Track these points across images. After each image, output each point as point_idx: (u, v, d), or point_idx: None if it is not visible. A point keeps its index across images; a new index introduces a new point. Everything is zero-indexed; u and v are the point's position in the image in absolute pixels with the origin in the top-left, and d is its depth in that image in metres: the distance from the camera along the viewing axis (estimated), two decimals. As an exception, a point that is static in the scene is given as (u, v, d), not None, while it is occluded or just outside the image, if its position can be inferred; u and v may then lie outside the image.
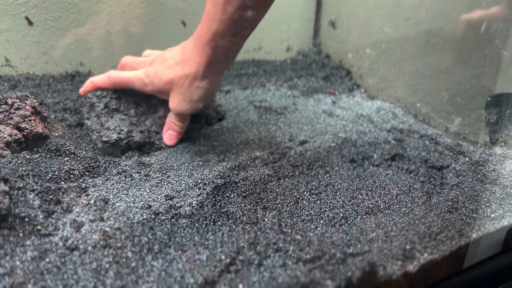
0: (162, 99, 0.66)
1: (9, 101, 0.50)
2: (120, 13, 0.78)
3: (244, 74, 0.93)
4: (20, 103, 0.50)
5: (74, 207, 0.47)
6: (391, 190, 0.54)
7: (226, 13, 0.49)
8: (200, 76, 0.55)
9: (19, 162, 0.51)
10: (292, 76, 0.95)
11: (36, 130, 0.51)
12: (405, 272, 0.40)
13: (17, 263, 0.38)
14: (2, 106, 0.49)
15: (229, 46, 0.53)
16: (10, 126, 0.49)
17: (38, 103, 0.54)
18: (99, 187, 0.51)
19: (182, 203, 0.49)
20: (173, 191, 0.52)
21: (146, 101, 0.65)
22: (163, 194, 0.51)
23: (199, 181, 0.54)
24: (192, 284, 0.37)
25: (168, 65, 0.57)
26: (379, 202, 0.51)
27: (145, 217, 0.46)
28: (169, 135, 0.62)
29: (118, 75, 0.61)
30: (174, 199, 0.50)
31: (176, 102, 0.58)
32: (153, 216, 0.46)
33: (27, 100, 0.51)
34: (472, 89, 0.66)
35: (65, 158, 0.55)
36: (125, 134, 0.61)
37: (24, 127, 0.49)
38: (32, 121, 0.50)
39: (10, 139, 0.48)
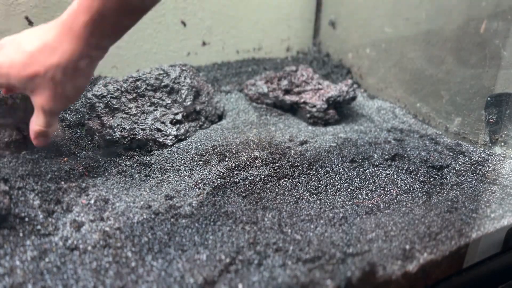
0: (160, 98, 0.66)
1: (9, 101, 0.50)
2: (120, 13, 0.78)
3: (244, 72, 0.93)
4: (20, 103, 0.50)
5: (74, 207, 0.47)
6: (391, 190, 0.54)
7: None
8: (74, 66, 0.45)
9: (19, 162, 0.51)
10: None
11: None
12: (405, 272, 0.40)
13: (17, 263, 0.38)
14: (1, 107, 0.49)
15: (115, 29, 0.45)
16: (10, 126, 0.49)
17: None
18: (99, 187, 0.51)
19: (182, 203, 0.49)
20: (173, 191, 0.52)
21: (146, 100, 0.65)
22: (163, 194, 0.51)
23: (199, 181, 0.54)
24: (192, 284, 0.37)
25: (27, 52, 0.45)
26: (379, 202, 0.51)
27: (145, 217, 0.46)
28: (39, 141, 0.51)
29: None
30: (174, 199, 0.50)
31: (45, 99, 0.47)
32: (153, 216, 0.46)
33: (27, 100, 0.51)
34: (472, 89, 0.66)
35: (65, 158, 0.55)
36: (128, 132, 0.61)
37: (24, 127, 0.49)
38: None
39: (9, 139, 0.48)
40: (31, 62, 0.45)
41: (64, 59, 0.44)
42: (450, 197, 0.52)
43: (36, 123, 0.49)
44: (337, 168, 0.59)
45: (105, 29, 0.44)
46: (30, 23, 0.70)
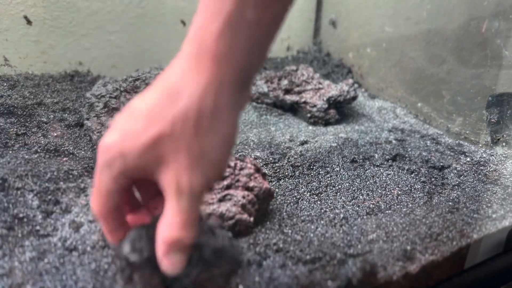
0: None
1: (231, 164, 0.47)
2: (119, 12, 0.77)
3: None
4: (241, 163, 0.48)
5: (73, 208, 0.47)
6: (392, 191, 0.54)
7: None
8: (212, 105, 0.29)
9: (18, 162, 0.50)
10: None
11: (264, 186, 0.47)
12: (406, 272, 0.39)
13: (16, 263, 0.38)
14: (226, 170, 0.45)
15: (254, 34, 0.29)
16: (240, 188, 0.47)
17: (254, 159, 0.50)
18: (98, 187, 0.51)
19: (182, 204, 0.49)
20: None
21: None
22: (162, 194, 0.51)
23: (199, 181, 0.53)
24: (192, 285, 0.37)
25: (141, 113, 0.30)
26: (380, 202, 0.51)
27: (144, 217, 0.46)
28: (174, 258, 0.29)
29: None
30: (174, 199, 0.50)
31: (180, 169, 0.29)
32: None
33: (246, 158, 0.48)
34: (473, 88, 0.66)
35: (64, 158, 0.55)
36: None
37: (253, 185, 0.46)
38: (258, 178, 0.48)
39: (244, 201, 0.46)
40: (148, 123, 0.29)
41: (196, 97, 0.29)
42: (451, 198, 0.52)
43: (168, 226, 0.29)
44: (337, 168, 0.59)
45: (243, 39, 0.29)
46: (29, 22, 0.70)
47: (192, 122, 0.29)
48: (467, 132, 0.67)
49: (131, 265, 0.31)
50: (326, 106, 0.74)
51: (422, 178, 0.57)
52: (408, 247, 0.42)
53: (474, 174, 0.57)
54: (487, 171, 0.58)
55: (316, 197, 0.52)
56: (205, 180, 0.29)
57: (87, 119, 0.62)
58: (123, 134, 0.30)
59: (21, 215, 0.43)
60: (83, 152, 0.58)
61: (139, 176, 0.31)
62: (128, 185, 0.32)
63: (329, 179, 0.56)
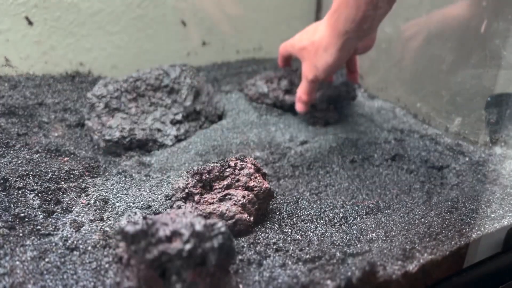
0: (160, 98, 0.66)
1: (231, 163, 0.48)
2: (120, 13, 0.78)
3: (244, 72, 0.93)
4: (242, 163, 0.48)
5: (74, 207, 0.47)
6: (391, 190, 0.54)
7: None
8: (324, 45, 0.59)
9: (19, 162, 0.51)
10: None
11: (264, 186, 0.47)
12: (405, 272, 0.40)
13: (17, 263, 0.38)
14: (227, 170, 0.46)
15: (364, 6, 0.52)
16: (240, 188, 0.46)
17: (254, 159, 0.51)
18: (99, 187, 0.51)
19: (182, 203, 0.49)
20: (173, 191, 0.52)
21: (146, 100, 0.65)
22: (163, 194, 0.51)
23: (199, 181, 0.54)
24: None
25: (304, 32, 0.66)
26: (379, 202, 0.51)
27: (145, 217, 0.46)
28: (299, 106, 0.69)
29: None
30: (174, 199, 0.50)
31: (306, 68, 0.63)
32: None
33: (246, 158, 0.49)
34: (472, 89, 0.66)
35: (65, 158, 0.55)
36: (127, 132, 0.61)
37: (253, 185, 0.46)
38: (258, 178, 0.47)
39: (244, 200, 0.46)
40: (303, 38, 0.64)
41: (319, 37, 0.59)
42: (450, 197, 0.52)
43: (299, 90, 0.67)
44: (337, 168, 0.59)
45: (346, 13, 0.53)
46: (30, 23, 0.70)
47: (315, 48, 0.61)
48: (466, 132, 0.67)
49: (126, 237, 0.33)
50: (325, 106, 0.74)
51: (421, 178, 0.57)
52: (407, 247, 0.42)
53: (473, 174, 0.58)
54: (486, 171, 0.58)
55: (315, 197, 0.52)
56: (315, 77, 0.63)
57: (88, 119, 0.62)
58: (298, 38, 0.66)
59: (22, 215, 0.44)
60: (84, 152, 0.58)
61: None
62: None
63: (328, 178, 0.56)
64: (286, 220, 0.47)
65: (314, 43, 0.60)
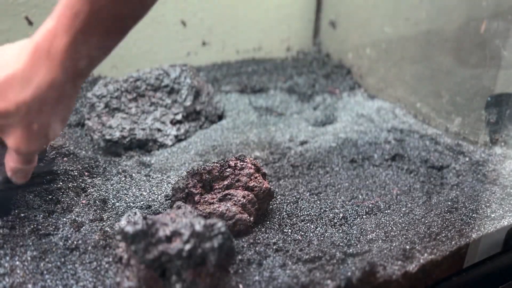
0: (160, 98, 0.66)
1: (231, 163, 0.48)
2: (120, 13, 0.78)
3: (244, 72, 0.93)
4: (242, 163, 0.48)
5: (74, 207, 0.47)
6: (391, 190, 0.54)
7: None
8: (54, 99, 0.37)
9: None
10: (292, 74, 0.95)
11: (264, 186, 0.47)
12: (405, 272, 0.40)
13: (17, 263, 0.38)
14: (227, 170, 0.46)
15: (101, 48, 0.37)
16: (240, 188, 0.46)
17: (254, 159, 0.51)
18: (99, 187, 0.51)
19: (182, 203, 0.49)
20: (173, 191, 0.52)
21: (146, 100, 0.65)
22: (163, 194, 0.51)
23: (199, 181, 0.54)
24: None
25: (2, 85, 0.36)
26: (379, 202, 0.51)
27: (145, 217, 0.46)
28: (18, 178, 0.42)
29: None
30: (174, 199, 0.50)
31: (19, 140, 0.38)
32: (153, 216, 0.46)
33: (246, 158, 0.49)
34: (472, 89, 0.66)
35: (65, 158, 0.55)
36: (128, 132, 0.61)
37: (253, 185, 0.46)
38: (258, 178, 0.47)
39: (244, 200, 0.46)
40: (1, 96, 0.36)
41: (42, 91, 0.36)
42: (450, 197, 0.52)
43: (11, 161, 0.41)
44: (337, 168, 0.59)
45: (89, 51, 0.36)
46: (30, 23, 0.70)
47: (36, 107, 0.36)
48: (466, 132, 0.67)
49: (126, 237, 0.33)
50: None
51: (421, 178, 0.57)
52: (407, 247, 0.42)
53: (473, 174, 0.58)
54: (485, 171, 0.58)
55: (315, 197, 0.52)
56: (37, 149, 0.40)
57: (88, 119, 0.62)
58: None
59: (22, 215, 0.44)
60: (84, 152, 0.58)
61: None
62: None
63: (328, 179, 0.56)
64: (286, 220, 0.47)
65: None
